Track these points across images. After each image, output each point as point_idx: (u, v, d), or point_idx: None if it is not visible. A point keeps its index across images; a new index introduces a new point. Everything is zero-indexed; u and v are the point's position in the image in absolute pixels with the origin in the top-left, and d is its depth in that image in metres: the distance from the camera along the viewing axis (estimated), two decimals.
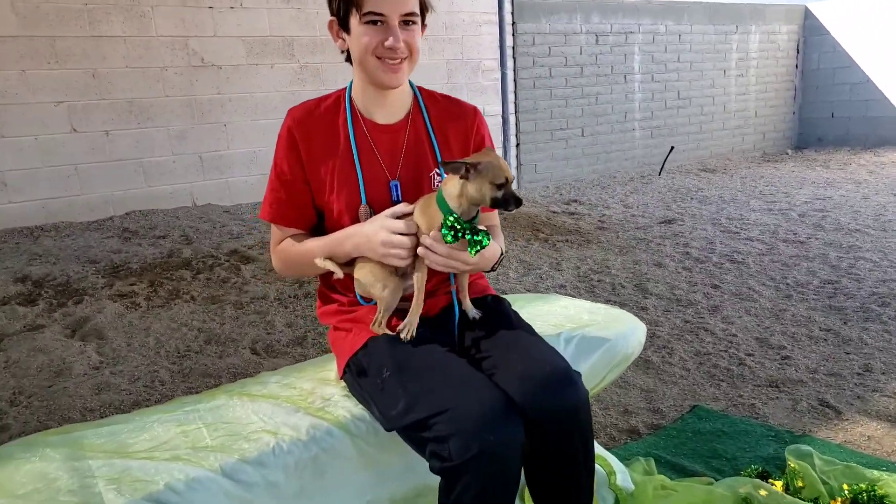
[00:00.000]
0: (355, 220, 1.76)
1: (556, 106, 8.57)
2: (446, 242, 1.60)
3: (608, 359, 2.08)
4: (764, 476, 2.29)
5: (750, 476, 2.27)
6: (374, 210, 1.73)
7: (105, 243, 5.03)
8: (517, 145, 8.24)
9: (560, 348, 2.01)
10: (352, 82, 1.83)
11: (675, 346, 3.51)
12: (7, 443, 1.66)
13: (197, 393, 3.00)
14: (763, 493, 2.12)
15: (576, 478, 1.60)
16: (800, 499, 2.13)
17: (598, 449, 2.17)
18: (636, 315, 3.81)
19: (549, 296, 2.55)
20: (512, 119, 8.03)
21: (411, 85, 1.87)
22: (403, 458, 1.62)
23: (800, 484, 2.21)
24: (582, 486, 1.62)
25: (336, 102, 1.81)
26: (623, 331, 2.19)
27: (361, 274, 1.73)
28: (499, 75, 7.89)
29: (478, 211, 1.64)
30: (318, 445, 1.61)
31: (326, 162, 1.77)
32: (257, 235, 5.19)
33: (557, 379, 1.55)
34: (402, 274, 1.72)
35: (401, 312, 1.73)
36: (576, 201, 7.45)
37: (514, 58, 8.03)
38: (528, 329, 1.77)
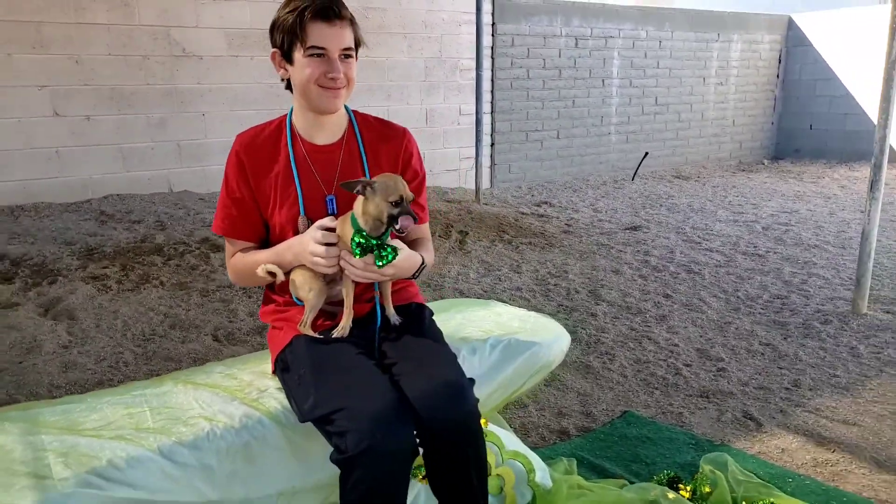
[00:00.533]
0: (296, 231, 1.95)
1: (532, 107, 8.68)
2: (355, 256, 1.78)
3: (530, 365, 2.25)
4: (675, 481, 2.43)
5: (661, 481, 2.42)
6: (312, 221, 1.91)
7: (82, 225, 5.16)
8: (491, 145, 8.36)
9: (486, 353, 2.18)
10: (292, 108, 2.03)
11: (618, 353, 3.64)
12: None
13: (158, 375, 3.17)
14: (671, 496, 2.29)
15: (467, 480, 1.79)
16: None
17: (521, 447, 2.32)
18: (585, 321, 4.03)
19: (488, 302, 2.70)
20: (486, 119, 8.13)
21: (347, 110, 2.07)
22: (327, 448, 1.77)
23: (706, 490, 2.38)
24: (474, 488, 1.81)
25: (278, 127, 2.02)
26: (548, 339, 2.35)
27: (295, 276, 1.93)
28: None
29: (386, 227, 1.80)
30: (250, 433, 1.77)
31: (270, 180, 1.97)
32: None
33: (451, 391, 1.73)
34: (331, 280, 1.92)
35: (325, 314, 1.96)
36: (546, 203, 7.59)
37: (492, 58, 8.12)
38: (438, 339, 1.96)
